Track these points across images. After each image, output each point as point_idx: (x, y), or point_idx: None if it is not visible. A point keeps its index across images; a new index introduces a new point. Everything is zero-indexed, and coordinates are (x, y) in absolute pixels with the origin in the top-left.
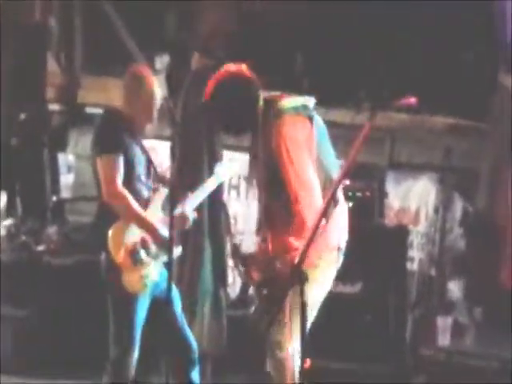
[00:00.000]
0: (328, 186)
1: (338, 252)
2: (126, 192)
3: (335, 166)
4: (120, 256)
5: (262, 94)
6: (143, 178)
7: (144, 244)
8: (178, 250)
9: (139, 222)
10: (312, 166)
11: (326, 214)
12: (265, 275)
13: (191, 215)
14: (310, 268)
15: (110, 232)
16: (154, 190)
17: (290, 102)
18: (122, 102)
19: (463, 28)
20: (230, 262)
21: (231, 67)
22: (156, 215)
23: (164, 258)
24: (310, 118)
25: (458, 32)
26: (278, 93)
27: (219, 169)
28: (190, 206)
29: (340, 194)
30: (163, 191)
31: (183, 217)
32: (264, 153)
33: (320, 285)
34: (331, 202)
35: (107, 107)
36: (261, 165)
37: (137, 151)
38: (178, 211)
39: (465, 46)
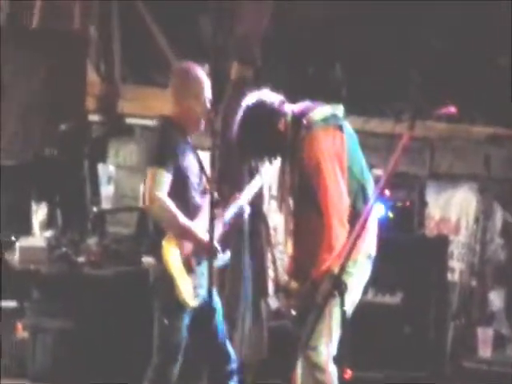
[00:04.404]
0: (360, 194)
1: (369, 260)
2: (168, 204)
3: (366, 172)
4: (174, 265)
5: (290, 109)
6: (197, 186)
7: (197, 254)
8: (225, 257)
9: (183, 233)
10: (343, 178)
11: (366, 224)
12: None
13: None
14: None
15: (164, 241)
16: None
17: (319, 113)
18: (171, 105)
19: (502, 37)
20: (271, 273)
21: (249, 99)
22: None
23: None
24: (340, 127)
25: (496, 41)
26: (306, 103)
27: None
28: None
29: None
30: None
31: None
32: (295, 167)
33: (354, 292)
34: (371, 212)
35: (162, 116)
36: (292, 179)
37: (191, 160)
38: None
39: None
